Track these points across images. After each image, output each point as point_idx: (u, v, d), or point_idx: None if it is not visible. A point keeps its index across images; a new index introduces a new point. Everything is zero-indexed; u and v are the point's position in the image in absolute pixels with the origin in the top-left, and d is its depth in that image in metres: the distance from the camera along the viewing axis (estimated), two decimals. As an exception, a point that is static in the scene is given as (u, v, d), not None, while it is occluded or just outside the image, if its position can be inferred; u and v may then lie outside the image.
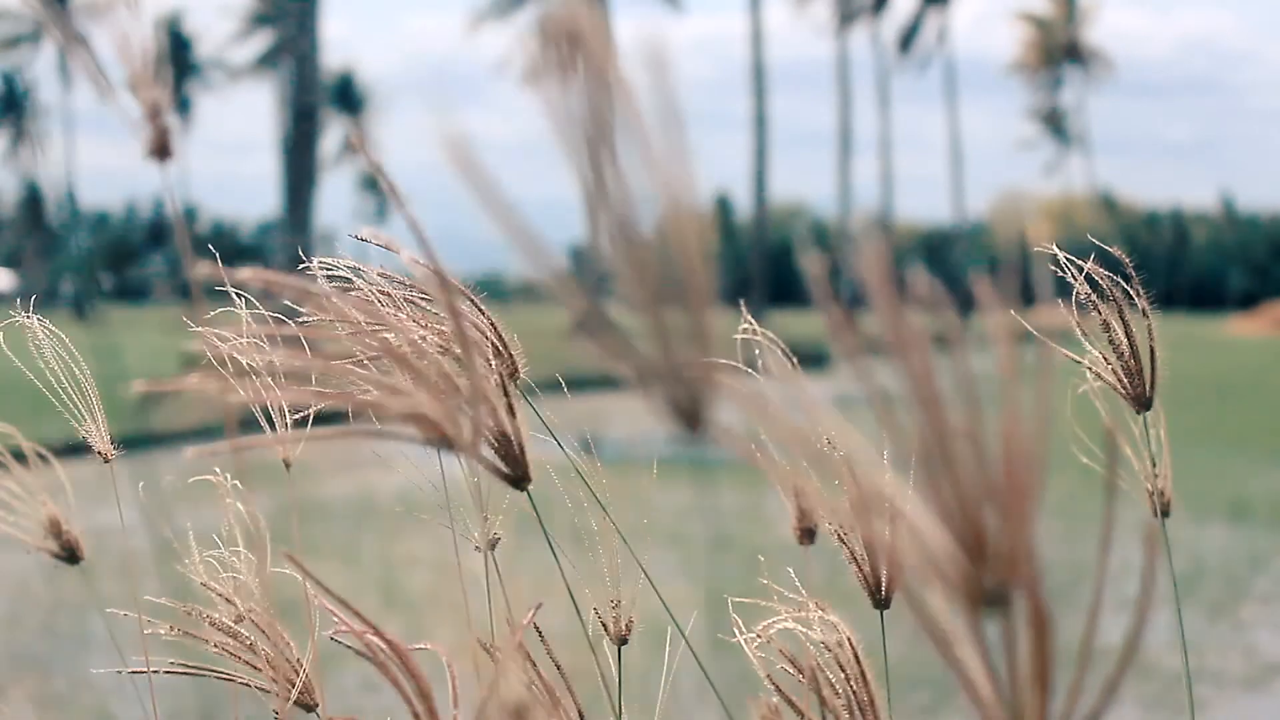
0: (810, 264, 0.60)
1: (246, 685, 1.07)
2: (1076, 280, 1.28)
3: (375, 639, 0.83)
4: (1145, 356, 1.28)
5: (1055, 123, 76.18)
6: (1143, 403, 1.28)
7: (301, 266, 1.08)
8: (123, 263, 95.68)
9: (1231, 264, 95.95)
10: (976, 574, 0.56)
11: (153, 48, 0.85)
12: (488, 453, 0.92)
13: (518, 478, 0.93)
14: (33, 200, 79.74)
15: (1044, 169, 77.57)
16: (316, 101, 29.69)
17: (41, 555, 1.11)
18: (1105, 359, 1.29)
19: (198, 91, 77.12)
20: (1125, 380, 1.29)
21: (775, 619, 1.10)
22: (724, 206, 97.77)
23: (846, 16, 58.91)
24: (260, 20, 66.62)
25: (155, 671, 1.05)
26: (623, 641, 1.20)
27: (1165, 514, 1.33)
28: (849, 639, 1.07)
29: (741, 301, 1.18)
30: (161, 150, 0.85)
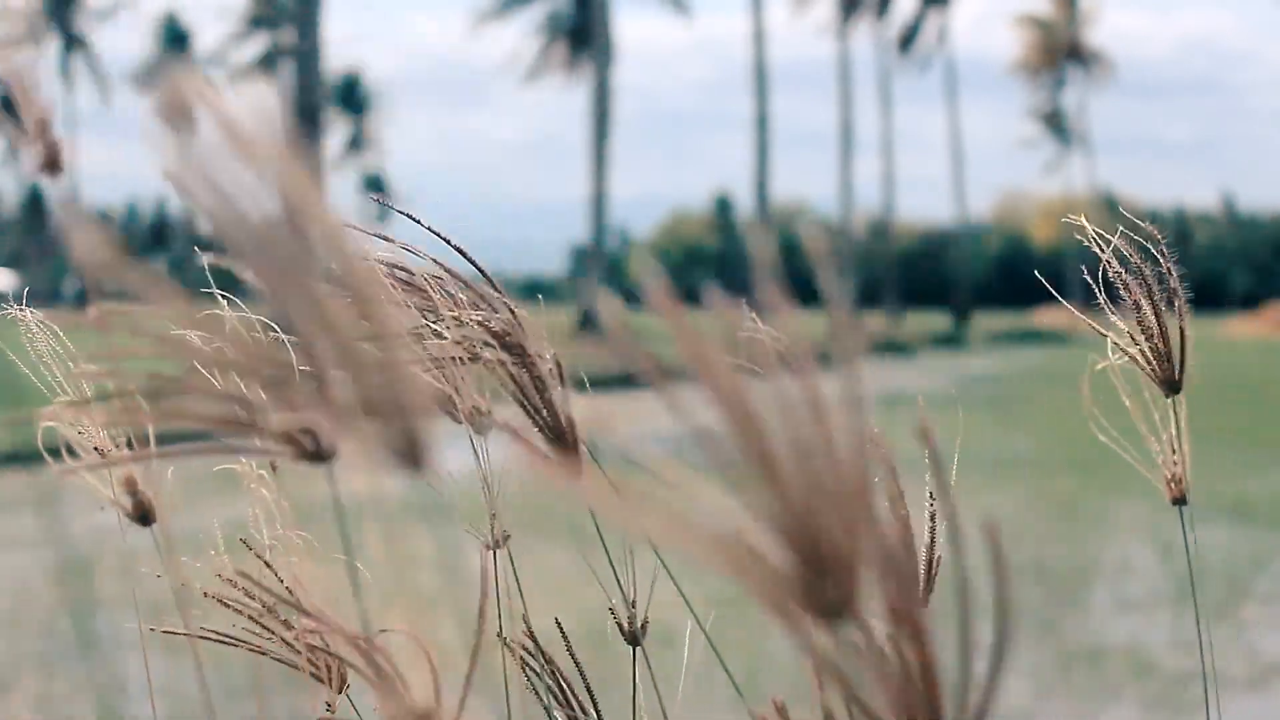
0: (813, 244, 0.59)
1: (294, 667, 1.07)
2: (1104, 253, 1.27)
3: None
4: (1175, 338, 1.26)
5: (1056, 123, 76.15)
6: (1172, 385, 1.27)
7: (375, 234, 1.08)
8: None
9: (1233, 264, 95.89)
10: (818, 586, 0.55)
11: (33, 81, 0.87)
12: (538, 438, 0.92)
13: (568, 451, 0.92)
14: (34, 201, 79.76)
15: (1045, 169, 77.53)
16: (318, 102, 29.70)
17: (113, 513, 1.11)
18: (1134, 338, 1.27)
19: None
20: (1154, 362, 1.27)
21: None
22: (725, 207, 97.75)
23: (848, 16, 58.89)
24: (258, 22, 66.62)
25: (205, 637, 1.05)
26: (635, 641, 1.20)
27: (1182, 502, 1.32)
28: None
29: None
30: (52, 165, 0.87)
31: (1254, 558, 10.20)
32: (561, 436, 0.93)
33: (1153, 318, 1.27)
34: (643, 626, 1.20)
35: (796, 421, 0.56)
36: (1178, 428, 1.30)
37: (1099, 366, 1.29)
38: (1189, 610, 8.65)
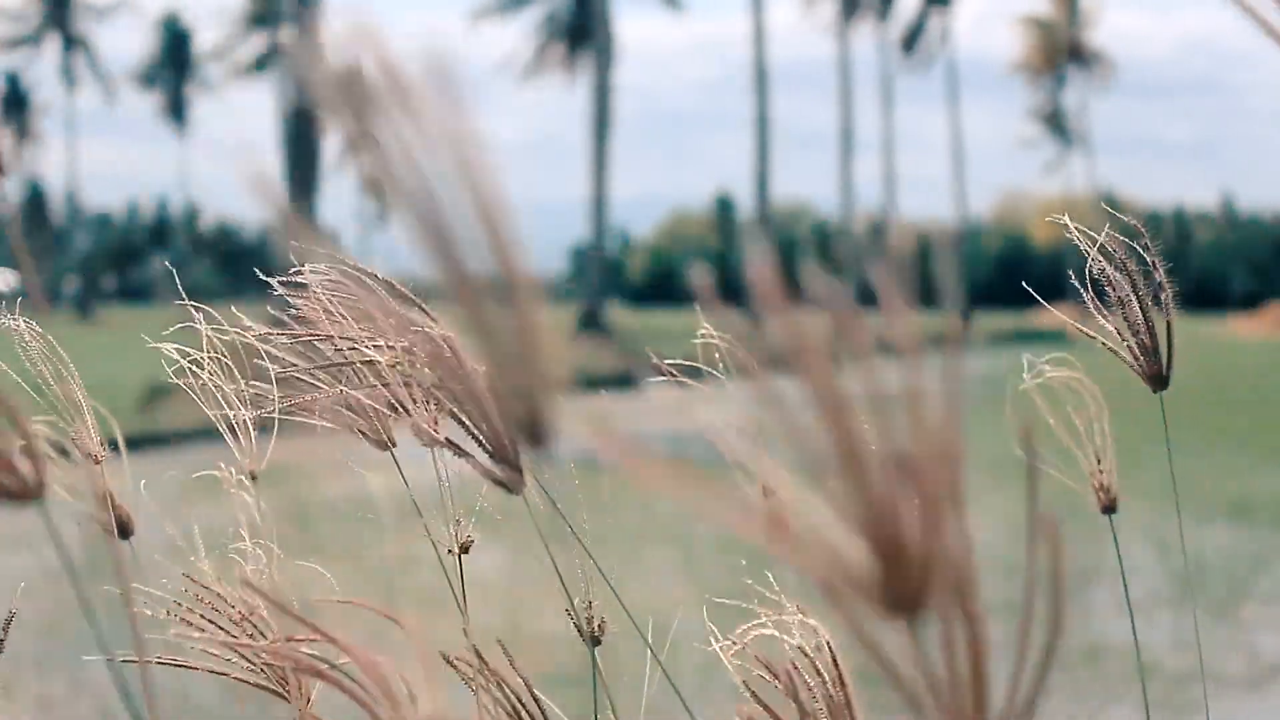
0: (811, 273, 0.59)
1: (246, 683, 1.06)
2: (1091, 252, 1.27)
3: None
4: (1162, 333, 1.26)
5: (1057, 123, 76.14)
6: (1159, 380, 1.27)
7: (294, 272, 1.08)
8: (125, 264, 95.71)
9: (1233, 264, 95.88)
10: (894, 582, 0.55)
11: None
12: (482, 456, 0.93)
13: (512, 481, 0.93)
14: (35, 201, 79.77)
15: (1045, 169, 77.53)
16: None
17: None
18: (1121, 335, 1.27)
19: (198, 91, 77.11)
20: (1141, 357, 1.27)
21: (751, 624, 1.10)
22: (726, 206, 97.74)
23: (849, 17, 58.88)
24: (258, 21, 66.61)
25: (149, 662, 1.04)
26: (596, 641, 1.20)
27: (1111, 510, 1.33)
28: (828, 643, 1.06)
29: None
30: None
31: (1256, 558, 10.19)
32: (503, 452, 0.93)
33: (1139, 314, 1.26)
34: (600, 626, 1.20)
35: (887, 418, 0.57)
36: (1103, 438, 1.30)
37: (1024, 385, 1.29)
38: (1183, 611, 8.65)
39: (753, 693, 1.08)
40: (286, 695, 1.05)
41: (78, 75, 71.68)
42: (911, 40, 64.79)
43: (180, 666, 1.06)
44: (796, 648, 1.06)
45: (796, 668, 1.05)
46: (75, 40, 71.88)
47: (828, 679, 1.05)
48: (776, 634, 1.08)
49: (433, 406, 0.99)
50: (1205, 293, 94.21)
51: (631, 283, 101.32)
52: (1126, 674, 7.24)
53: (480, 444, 0.94)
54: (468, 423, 0.94)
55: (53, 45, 72.36)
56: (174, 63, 76.27)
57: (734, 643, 1.09)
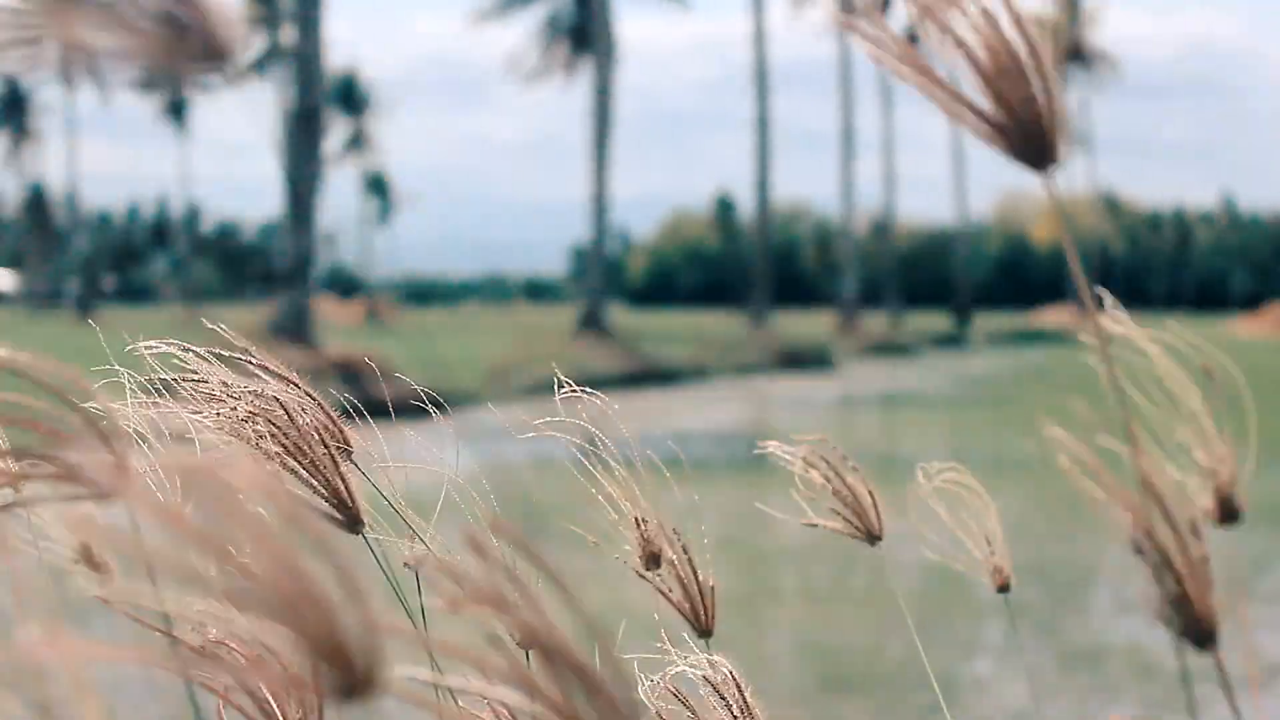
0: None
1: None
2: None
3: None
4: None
5: (1058, 123, 76.08)
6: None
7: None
8: (126, 264, 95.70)
9: (1235, 265, 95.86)
10: (333, 675, 0.57)
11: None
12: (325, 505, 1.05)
13: (350, 523, 1.05)
14: (36, 201, 79.75)
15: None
16: (319, 102, 29.71)
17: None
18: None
19: (198, 92, 77.07)
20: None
21: (668, 668, 1.12)
22: (726, 207, 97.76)
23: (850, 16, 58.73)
24: (260, 21, 66.62)
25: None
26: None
27: (1005, 590, 1.33)
28: (732, 675, 1.11)
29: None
30: None
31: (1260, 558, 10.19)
32: (342, 504, 1.06)
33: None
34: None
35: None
36: (994, 521, 1.30)
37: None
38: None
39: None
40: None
41: (77, 76, 71.64)
42: (912, 40, 64.69)
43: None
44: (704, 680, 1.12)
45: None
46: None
47: (735, 707, 1.11)
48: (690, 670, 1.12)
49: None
50: (1206, 293, 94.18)
51: (632, 283, 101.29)
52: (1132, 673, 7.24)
53: (323, 499, 1.06)
54: (307, 481, 1.06)
55: (53, 45, 72.17)
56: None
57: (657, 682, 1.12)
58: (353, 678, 0.56)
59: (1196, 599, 0.93)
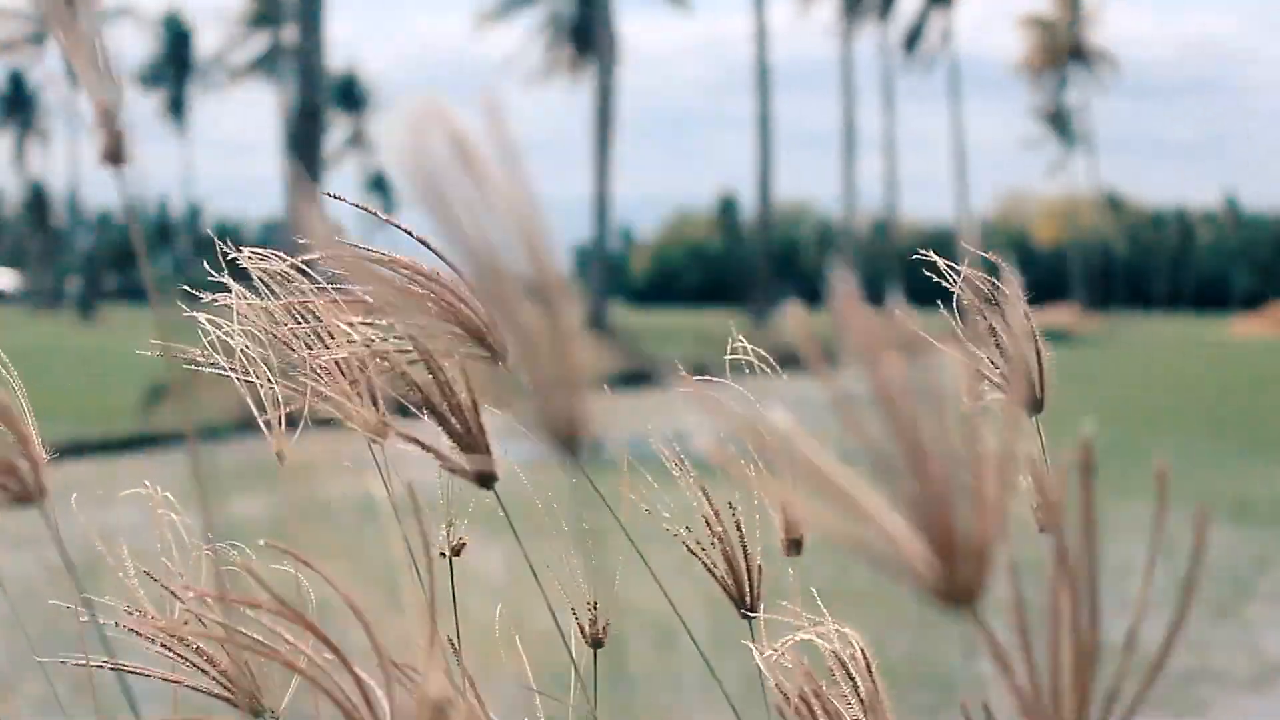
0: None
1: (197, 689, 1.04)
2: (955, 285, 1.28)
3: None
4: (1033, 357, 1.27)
5: (1060, 123, 76.14)
6: (1034, 405, 1.28)
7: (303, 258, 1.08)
8: (127, 263, 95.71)
9: (1236, 264, 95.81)
10: (947, 572, 0.57)
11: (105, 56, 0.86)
12: (456, 453, 0.93)
13: (485, 476, 0.93)
14: (38, 201, 79.76)
15: (1048, 169, 77.51)
16: (320, 101, 29.70)
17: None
18: (993, 363, 1.28)
19: (199, 91, 77.09)
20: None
21: (793, 634, 1.10)
22: (729, 207, 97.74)
23: (852, 16, 58.87)
24: (261, 20, 66.64)
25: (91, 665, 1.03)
26: (598, 644, 1.19)
27: None
28: (862, 650, 1.08)
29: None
30: (114, 156, 0.86)
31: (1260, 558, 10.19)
32: (473, 441, 0.93)
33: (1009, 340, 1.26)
34: (604, 629, 1.19)
35: (945, 415, 0.58)
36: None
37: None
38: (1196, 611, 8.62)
39: (787, 696, 1.09)
40: (237, 701, 1.03)
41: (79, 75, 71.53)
42: (913, 40, 64.77)
43: (126, 670, 1.04)
44: (833, 654, 1.08)
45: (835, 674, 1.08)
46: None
47: (861, 687, 1.07)
48: (816, 640, 1.09)
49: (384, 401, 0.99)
50: (1208, 293, 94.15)
51: (634, 282, 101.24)
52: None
53: (452, 436, 0.94)
54: (436, 413, 0.94)
55: (54, 45, 72.22)
56: (175, 62, 76.29)
57: (775, 651, 1.10)
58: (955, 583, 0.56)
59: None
